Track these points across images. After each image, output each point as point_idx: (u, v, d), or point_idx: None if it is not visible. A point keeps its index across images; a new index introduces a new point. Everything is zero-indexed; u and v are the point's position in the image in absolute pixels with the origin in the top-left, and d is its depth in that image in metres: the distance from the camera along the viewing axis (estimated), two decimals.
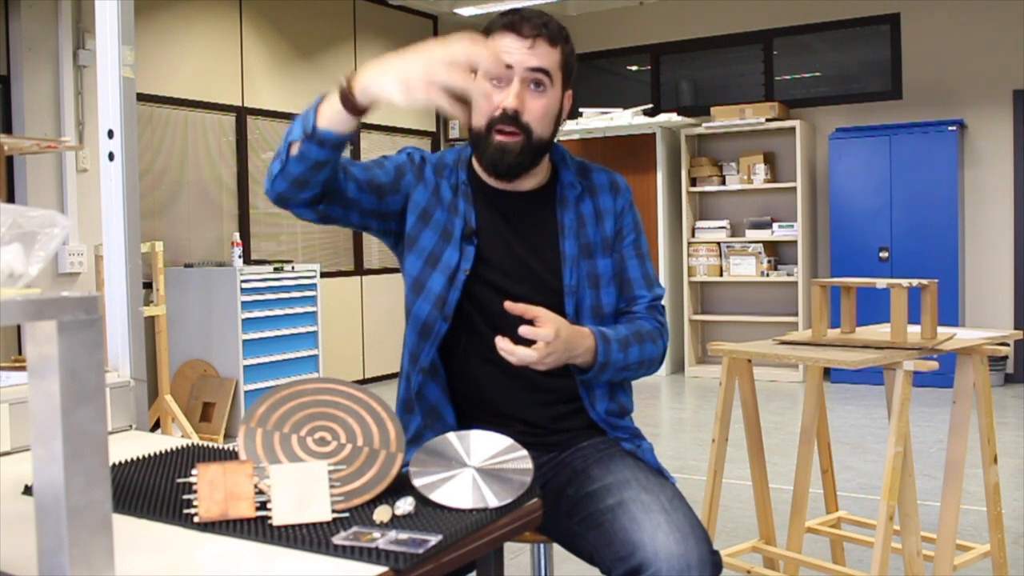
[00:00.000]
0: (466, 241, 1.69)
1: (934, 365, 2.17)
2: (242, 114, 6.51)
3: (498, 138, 1.64)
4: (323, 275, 6.32)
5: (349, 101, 1.39)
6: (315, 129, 1.42)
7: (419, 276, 1.69)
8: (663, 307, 1.81)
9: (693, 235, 7.65)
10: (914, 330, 2.34)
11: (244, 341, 5.54)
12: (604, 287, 1.73)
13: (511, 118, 1.62)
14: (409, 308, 1.70)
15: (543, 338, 1.51)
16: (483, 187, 1.74)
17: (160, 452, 1.56)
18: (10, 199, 4.83)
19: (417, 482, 1.30)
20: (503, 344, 1.51)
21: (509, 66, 1.62)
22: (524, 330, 1.51)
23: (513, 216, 1.73)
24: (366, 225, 1.70)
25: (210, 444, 1.63)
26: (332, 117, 1.41)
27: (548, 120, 1.67)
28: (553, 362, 1.54)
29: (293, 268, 5.93)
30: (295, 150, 1.45)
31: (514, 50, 1.62)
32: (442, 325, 1.67)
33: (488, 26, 1.69)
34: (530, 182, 1.74)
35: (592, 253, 1.73)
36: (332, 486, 1.23)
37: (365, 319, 7.28)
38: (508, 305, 1.54)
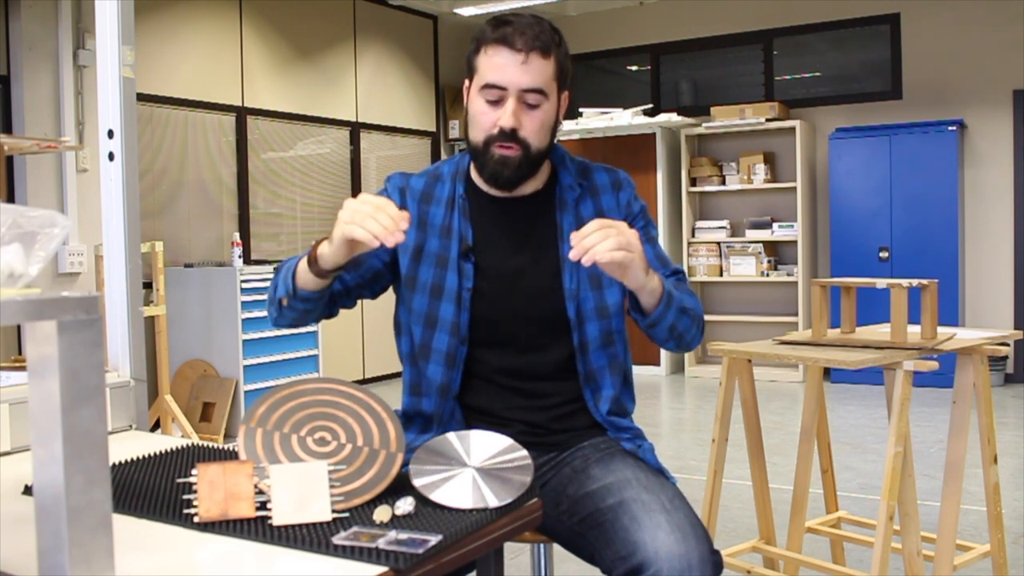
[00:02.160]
0: (464, 259, 1.69)
1: (934, 365, 2.17)
2: (242, 114, 6.51)
3: (498, 152, 1.63)
4: None
5: (317, 268, 1.54)
6: (296, 291, 1.59)
7: (429, 311, 1.68)
8: (686, 277, 1.78)
9: (693, 235, 7.65)
10: (914, 330, 2.34)
11: (244, 341, 5.54)
12: (607, 287, 1.72)
13: (508, 135, 1.62)
14: (428, 344, 1.68)
15: (581, 234, 1.44)
16: (481, 197, 1.74)
17: (160, 452, 1.56)
18: (10, 199, 4.83)
19: (417, 482, 1.30)
20: (573, 254, 1.44)
21: (502, 87, 1.60)
22: (573, 254, 1.45)
23: (512, 224, 1.73)
24: (362, 295, 1.74)
25: (210, 444, 1.63)
26: (306, 279, 1.57)
27: (545, 132, 1.66)
28: (616, 246, 1.43)
29: None
30: (285, 303, 1.61)
31: (507, 67, 1.59)
32: (462, 349, 1.68)
33: (479, 36, 1.65)
34: (529, 187, 1.73)
35: None
36: (332, 486, 1.23)
37: (365, 319, 7.29)
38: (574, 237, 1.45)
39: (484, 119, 1.64)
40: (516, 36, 1.59)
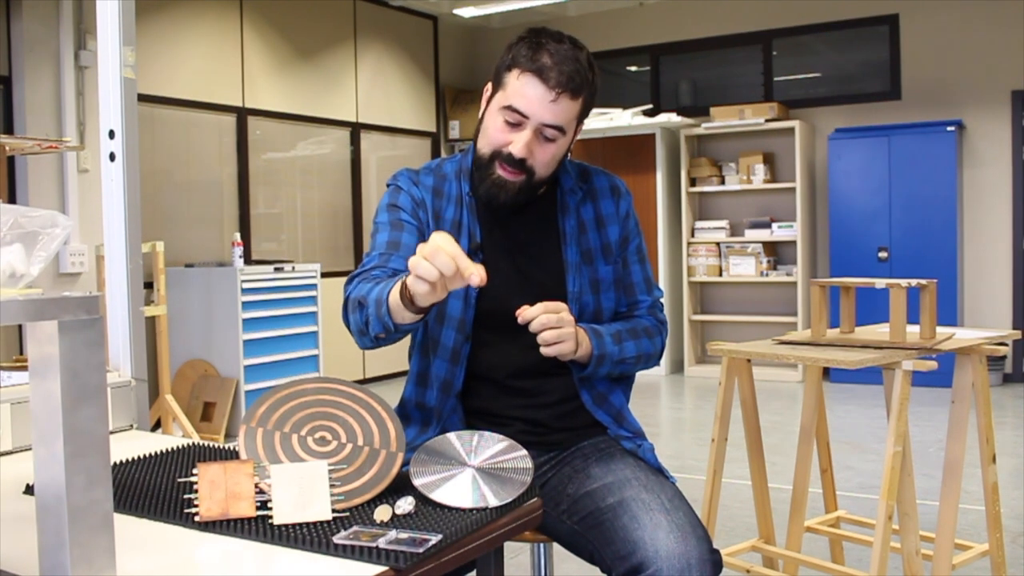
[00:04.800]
0: (474, 256, 1.69)
1: (933, 365, 2.17)
2: (243, 114, 6.51)
3: (499, 172, 1.64)
4: (323, 275, 6.33)
5: (415, 306, 1.44)
6: (397, 327, 1.50)
7: (439, 305, 1.68)
8: (662, 305, 1.84)
9: (693, 235, 7.65)
10: (913, 330, 2.35)
11: (244, 341, 5.54)
12: (604, 292, 1.75)
13: (517, 162, 1.62)
14: (436, 338, 1.69)
15: (534, 311, 1.54)
16: None
17: (161, 452, 1.57)
18: (11, 199, 4.83)
19: (417, 482, 1.31)
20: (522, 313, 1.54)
21: (525, 115, 1.59)
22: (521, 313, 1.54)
23: (515, 225, 1.74)
24: None
25: (211, 444, 1.63)
26: (404, 316, 1.46)
27: (553, 163, 1.67)
28: (558, 338, 1.54)
29: (293, 268, 5.94)
30: (383, 335, 1.53)
31: (535, 99, 1.58)
32: (466, 346, 1.68)
33: (515, 56, 1.61)
34: None
35: (593, 259, 1.74)
36: (332, 485, 1.24)
37: None
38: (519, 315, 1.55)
39: (497, 136, 1.63)
40: (552, 72, 1.57)
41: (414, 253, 1.63)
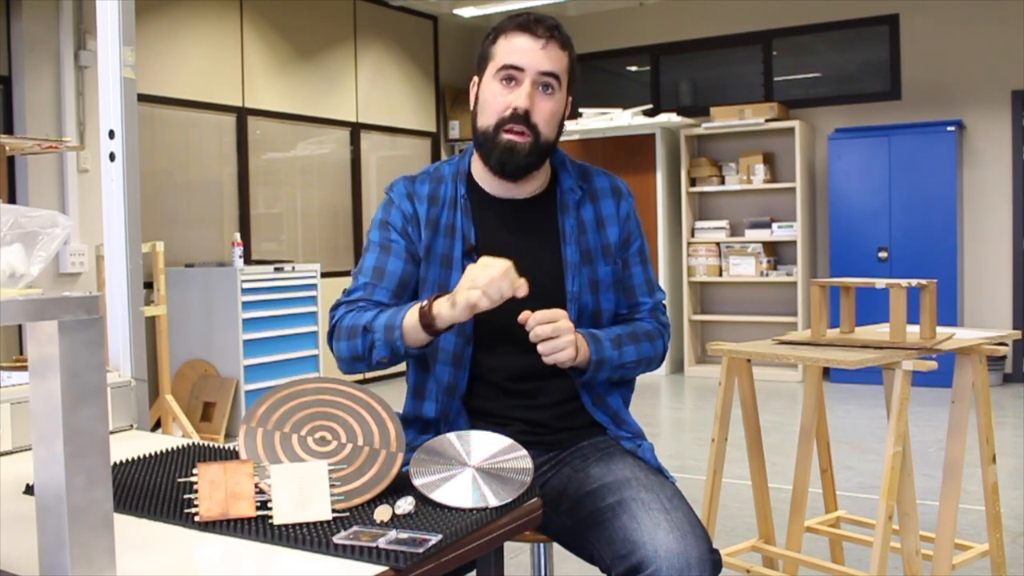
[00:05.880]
0: (467, 258, 1.69)
1: (933, 365, 2.17)
2: (242, 114, 6.51)
3: (507, 137, 1.65)
4: (323, 275, 6.33)
5: (432, 329, 1.56)
6: (407, 351, 1.60)
7: None
8: (664, 307, 1.83)
9: (693, 235, 7.65)
10: (913, 330, 2.35)
11: (244, 341, 5.54)
12: (603, 292, 1.74)
13: (521, 118, 1.64)
14: (436, 343, 1.68)
15: (540, 318, 1.56)
16: (483, 197, 1.75)
17: (161, 452, 1.57)
18: (11, 199, 4.83)
19: (417, 482, 1.31)
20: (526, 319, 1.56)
21: (520, 68, 1.64)
22: (524, 317, 1.56)
23: (514, 224, 1.74)
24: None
25: (211, 444, 1.63)
26: (416, 339, 1.58)
27: (554, 123, 1.69)
28: (554, 336, 1.55)
29: (293, 268, 5.94)
30: (384, 362, 1.64)
31: (527, 51, 1.64)
32: (468, 348, 1.68)
33: (498, 27, 1.70)
34: (530, 187, 1.75)
35: (592, 259, 1.74)
36: (332, 485, 1.24)
37: None
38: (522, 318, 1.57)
39: (497, 102, 1.66)
40: (536, 25, 1.66)
41: (398, 282, 1.72)
